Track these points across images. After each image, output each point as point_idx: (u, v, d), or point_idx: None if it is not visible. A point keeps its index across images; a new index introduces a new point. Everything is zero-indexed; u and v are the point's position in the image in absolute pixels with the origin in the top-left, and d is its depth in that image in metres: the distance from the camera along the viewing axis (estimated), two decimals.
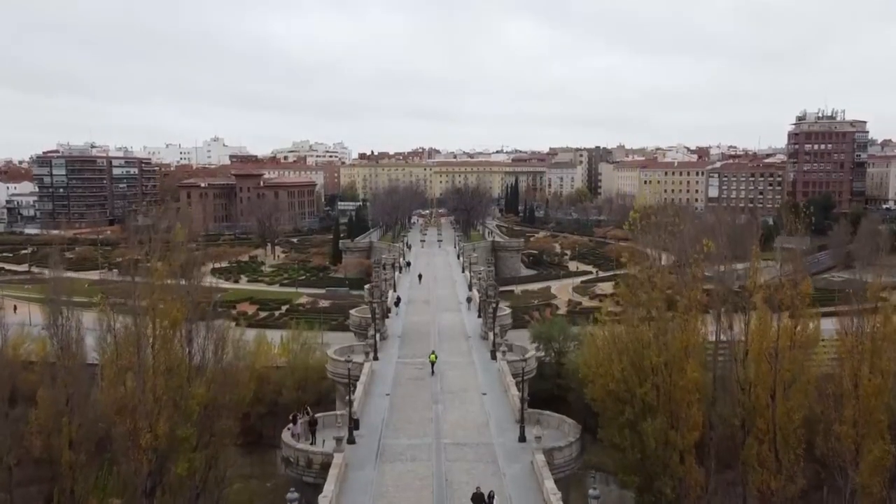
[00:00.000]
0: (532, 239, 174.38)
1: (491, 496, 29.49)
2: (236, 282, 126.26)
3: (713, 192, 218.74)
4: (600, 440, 41.19)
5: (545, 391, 55.39)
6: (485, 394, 45.87)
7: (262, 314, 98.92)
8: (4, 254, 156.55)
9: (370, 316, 59.85)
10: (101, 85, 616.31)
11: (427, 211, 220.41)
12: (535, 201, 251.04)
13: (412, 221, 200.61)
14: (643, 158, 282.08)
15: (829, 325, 40.95)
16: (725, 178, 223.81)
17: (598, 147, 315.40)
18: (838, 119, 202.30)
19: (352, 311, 72.17)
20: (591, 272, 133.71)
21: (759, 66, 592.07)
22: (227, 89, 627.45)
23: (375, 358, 53.05)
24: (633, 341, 39.51)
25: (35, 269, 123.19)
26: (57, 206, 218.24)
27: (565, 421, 42.04)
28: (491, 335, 56.49)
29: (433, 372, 50.11)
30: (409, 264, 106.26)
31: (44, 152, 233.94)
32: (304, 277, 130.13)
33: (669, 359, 37.68)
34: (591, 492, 29.65)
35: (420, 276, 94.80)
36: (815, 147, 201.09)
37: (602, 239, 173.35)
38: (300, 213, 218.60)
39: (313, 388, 61.12)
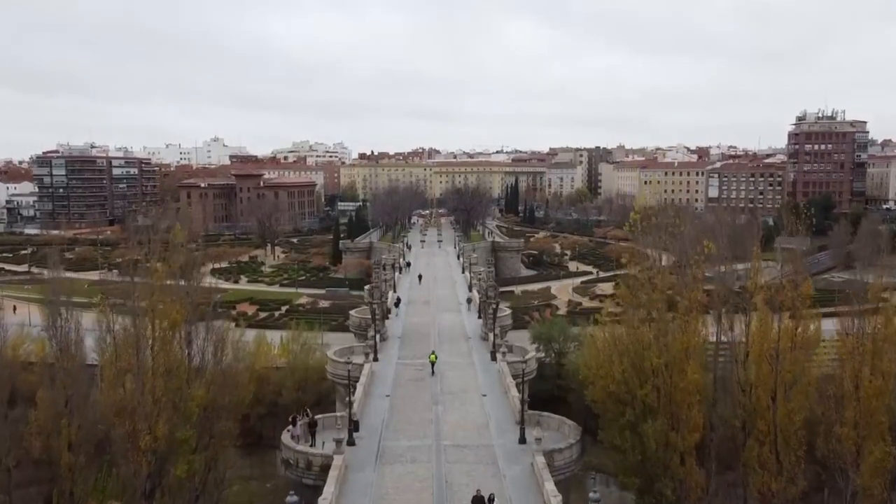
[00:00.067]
0: (532, 239, 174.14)
1: (491, 498, 29.37)
2: (236, 282, 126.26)
3: (713, 193, 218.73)
4: (601, 442, 41.05)
5: (545, 392, 55.33)
6: (485, 395, 45.78)
7: (262, 315, 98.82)
8: (4, 254, 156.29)
9: (370, 317, 59.70)
10: (101, 85, 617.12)
11: (427, 211, 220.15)
12: (535, 201, 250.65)
13: (412, 222, 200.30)
14: (643, 158, 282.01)
15: (829, 326, 40.81)
16: (725, 179, 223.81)
17: (598, 147, 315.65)
18: (838, 119, 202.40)
19: (352, 312, 71.92)
20: (591, 273, 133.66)
21: (759, 66, 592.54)
22: (227, 89, 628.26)
23: (375, 359, 52.96)
24: (634, 342, 39.39)
25: (35, 270, 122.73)
26: (57, 206, 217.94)
27: (565, 422, 42.04)
28: (491, 336, 56.38)
29: (433, 373, 50.05)
30: (409, 265, 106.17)
31: (44, 152, 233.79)
32: (304, 278, 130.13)
33: (670, 360, 37.57)
34: (591, 494, 29.68)
35: (420, 277, 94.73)
36: (816, 147, 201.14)
37: (602, 239, 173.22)
38: (300, 214, 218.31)
39: (313, 388, 61.07)
